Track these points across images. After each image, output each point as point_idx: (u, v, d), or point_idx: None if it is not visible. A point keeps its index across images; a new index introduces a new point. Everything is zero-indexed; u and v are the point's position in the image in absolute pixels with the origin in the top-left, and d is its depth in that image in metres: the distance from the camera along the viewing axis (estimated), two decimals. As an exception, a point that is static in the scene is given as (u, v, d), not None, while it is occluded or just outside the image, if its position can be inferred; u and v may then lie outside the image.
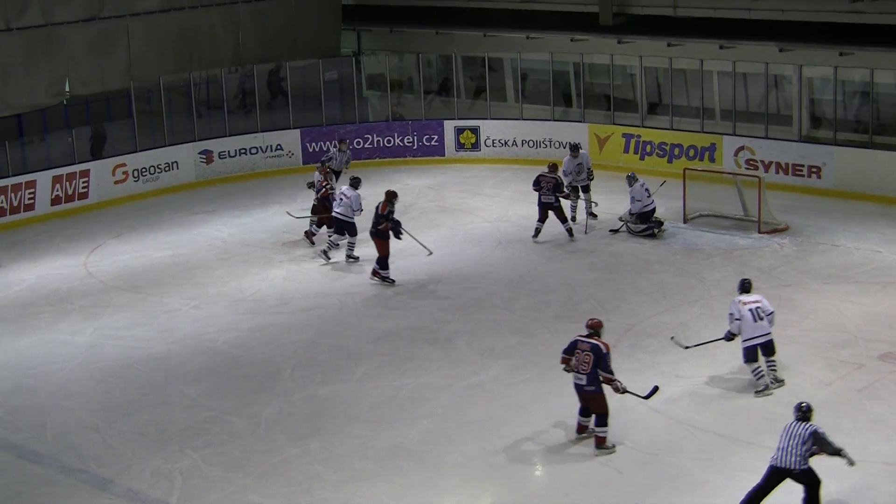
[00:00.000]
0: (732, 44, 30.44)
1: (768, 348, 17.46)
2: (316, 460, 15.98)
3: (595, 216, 25.96)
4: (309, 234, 25.47)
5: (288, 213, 26.64)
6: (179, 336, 20.79)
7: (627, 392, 15.96)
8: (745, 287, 17.79)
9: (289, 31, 35.92)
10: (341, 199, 24.18)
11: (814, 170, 27.74)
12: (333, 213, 24.32)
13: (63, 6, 30.68)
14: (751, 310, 17.37)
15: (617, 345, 19.18)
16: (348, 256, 24.43)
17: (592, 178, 26.25)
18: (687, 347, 18.36)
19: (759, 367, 17.46)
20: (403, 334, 20.34)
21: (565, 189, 25.13)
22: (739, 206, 25.73)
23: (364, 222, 23.79)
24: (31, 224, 27.78)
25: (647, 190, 24.90)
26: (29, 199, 28.15)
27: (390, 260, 22.97)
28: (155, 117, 31.79)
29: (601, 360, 15.75)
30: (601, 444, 15.88)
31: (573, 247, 24.57)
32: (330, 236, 24.54)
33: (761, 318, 17.36)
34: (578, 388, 16.00)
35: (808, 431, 13.68)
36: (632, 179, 25.03)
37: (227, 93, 32.96)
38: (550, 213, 24.83)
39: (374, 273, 23.07)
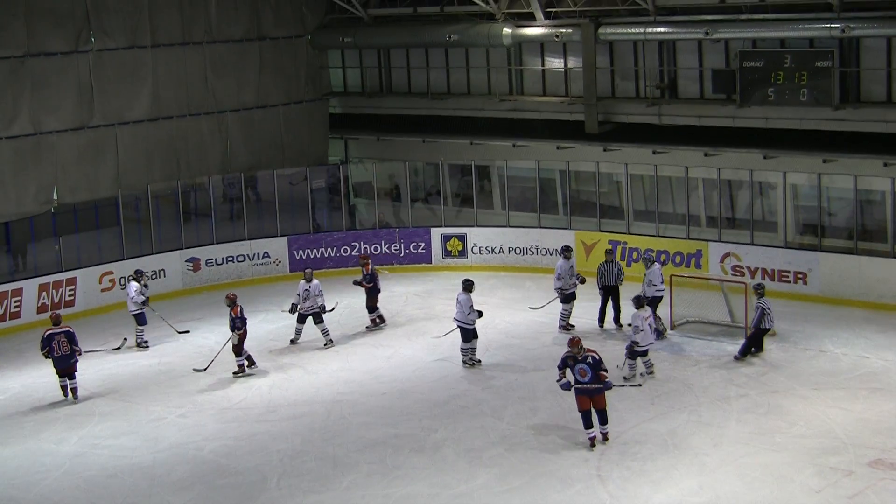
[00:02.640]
0: (717, 151, 30.69)
1: (646, 353, 22.82)
2: (302, 571, 15.82)
3: (573, 326, 26.02)
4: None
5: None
6: (165, 445, 20.65)
7: None
8: (640, 303, 22.91)
9: (277, 139, 36.21)
10: (456, 304, 24.15)
11: (800, 276, 27.83)
12: (453, 319, 24.24)
13: (52, 115, 30.92)
14: (649, 324, 22.74)
15: (606, 452, 19.14)
16: (465, 363, 24.06)
17: (583, 282, 26.37)
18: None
19: (635, 364, 22.72)
20: (390, 442, 20.22)
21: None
22: (726, 313, 25.76)
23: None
24: (17, 332, 27.69)
25: (661, 274, 25.39)
26: (15, 307, 28.11)
27: None
28: (142, 225, 31.89)
29: None
30: None
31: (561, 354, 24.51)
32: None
33: (655, 330, 23.46)
34: None
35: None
36: (648, 262, 25.29)
37: (215, 200, 33.17)
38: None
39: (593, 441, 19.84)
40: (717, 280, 26.95)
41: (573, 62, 34.14)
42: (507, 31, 33.69)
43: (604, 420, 19.58)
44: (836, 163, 28.82)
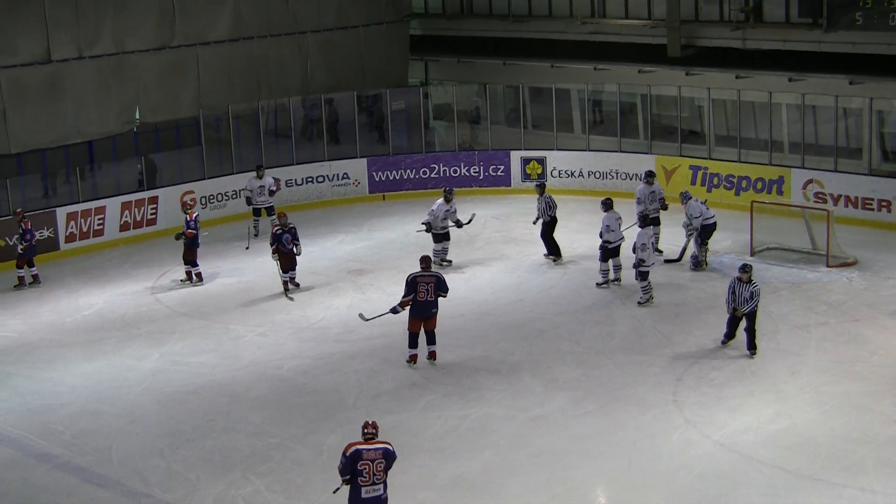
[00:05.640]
0: (802, 76, 30.22)
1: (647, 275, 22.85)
2: (378, 489, 15.95)
3: (660, 252, 25.73)
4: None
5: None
6: (244, 363, 20.88)
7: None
8: (646, 222, 23.47)
9: (357, 60, 36.12)
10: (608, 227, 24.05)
11: (884, 204, 27.44)
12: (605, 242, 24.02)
13: (134, 35, 31.03)
14: (652, 243, 23.02)
15: (682, 377, 19.11)
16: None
17: (666, 208, 26.11)
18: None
19: (647, 285, 22.84)
20: (468, 364, 20.31)
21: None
22: (807, 240, 25.51)
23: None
24: (101, 250, 28.06)
25: (702, 204, 25.07)
26: (98, 224, 28.44)
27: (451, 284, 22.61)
28: (223, 145, 32.09)
29: None
30: None
31: (639, 279, 24.49)
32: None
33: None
34: None
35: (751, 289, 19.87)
36: (685, 198, 25.08)
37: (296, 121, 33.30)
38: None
39: None
40: (799, 207, 26.66)
41: (656, -16, 33.74)
42: (589, -49, 33.35)
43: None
44: (924, 89, 28.32)
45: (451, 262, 26.04)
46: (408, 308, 20.16)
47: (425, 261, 20.47)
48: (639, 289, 22.85)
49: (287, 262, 24.52)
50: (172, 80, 31.97)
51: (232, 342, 22.02)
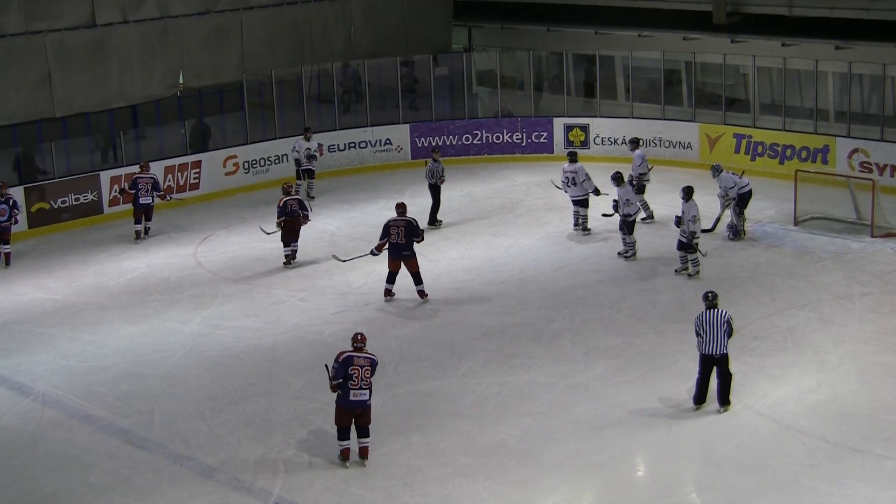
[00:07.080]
0: (849, 44, 29.95)
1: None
2: (418, 455, 16.04)
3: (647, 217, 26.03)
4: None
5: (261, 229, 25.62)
6: (286, 327, 20.98)
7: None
8: (690, 194, 22.48)
9: (400, 26, 36.06)
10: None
11: (930, 174, 27.25)
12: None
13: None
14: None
15: (724, 347, 19.02)
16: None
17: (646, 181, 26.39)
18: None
19: (696, 258, 22.46)
20: (508, 331, 20.32)
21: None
22: (852, 210, 25.33)
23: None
24: (144, 213, 28.22)
25: (733, 175, 24.88)
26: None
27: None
28: (266, 110, 32.14)
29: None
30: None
31: (681, 247, 24.39)
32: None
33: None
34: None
35: (725, 317, 16.69)
36: (716, 171, 24.90)
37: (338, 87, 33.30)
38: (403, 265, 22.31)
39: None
40: (844, 176, 26.47)
41: (702, -50, 33.47)
42: (634, -84, 33.11)
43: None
44: (974, 57, 28.03)
45: (590, 230, 25.77)
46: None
47: (400, 206, 22.19)
48: (688, 261, 22.62)
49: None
50: (216, 45, 32.04)
51: (274, 307, 22.11)
